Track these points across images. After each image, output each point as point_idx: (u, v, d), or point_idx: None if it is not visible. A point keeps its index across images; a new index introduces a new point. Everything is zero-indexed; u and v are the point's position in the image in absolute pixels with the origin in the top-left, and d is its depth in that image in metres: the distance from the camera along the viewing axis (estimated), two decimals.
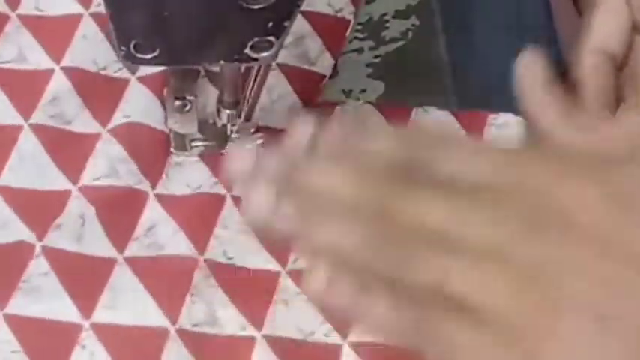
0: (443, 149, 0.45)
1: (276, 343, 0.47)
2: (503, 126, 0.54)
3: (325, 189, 0.45)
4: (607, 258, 0.41)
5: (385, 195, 0.44)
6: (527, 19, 0.54)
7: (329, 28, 0.56)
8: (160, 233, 0.50)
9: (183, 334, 0.47)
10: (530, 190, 0.43)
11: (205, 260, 0.49)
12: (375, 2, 0.53)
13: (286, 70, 0.54)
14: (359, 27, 0.56)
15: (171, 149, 0.52)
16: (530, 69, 0.51)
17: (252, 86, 0.51)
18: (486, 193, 0.44)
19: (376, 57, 0.55)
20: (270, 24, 0.43)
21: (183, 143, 0.52)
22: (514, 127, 0.54)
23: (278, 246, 0.49)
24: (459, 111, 0.54)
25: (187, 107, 0.50)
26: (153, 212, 0.50)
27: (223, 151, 0.52)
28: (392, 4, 0.54)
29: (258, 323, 0.47)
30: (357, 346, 0.47)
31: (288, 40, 0.55)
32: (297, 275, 0.49)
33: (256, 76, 0.51)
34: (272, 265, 0.49)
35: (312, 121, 0.48)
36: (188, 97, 0.50)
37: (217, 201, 0.51)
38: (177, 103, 0.50)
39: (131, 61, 0.45)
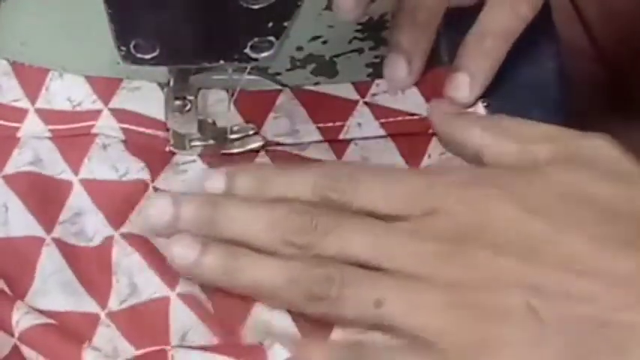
0: (356, 183, 0.46)
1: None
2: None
3: (243, 236, 0.46)
4: (531, 264, 0.42)
5: (304, 234, 0.45)
6: None
7: None
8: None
9: (113, 315, 0.47)
10: (443, 213, 0.44)
11: (122, 235, 0.49)
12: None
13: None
14: (359, 27, 0.56)
15: (171, 148, 0.52)
16: (440, 109, 0.52)
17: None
18: (403, 221, 0.45)
19: (376, 57, 0.55)
20: (270, 24, 0.43)
21: (182, 143, 0.52)
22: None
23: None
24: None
25: (187, 107, 0.50)
26: None
27: (224, 151, 0.52)
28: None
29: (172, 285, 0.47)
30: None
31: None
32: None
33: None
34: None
35: (228, 168, 0.49)
36: (188, 97, 0.50)
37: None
38: (177, 103, 0.50)
39: (131, 61, 0.45)
